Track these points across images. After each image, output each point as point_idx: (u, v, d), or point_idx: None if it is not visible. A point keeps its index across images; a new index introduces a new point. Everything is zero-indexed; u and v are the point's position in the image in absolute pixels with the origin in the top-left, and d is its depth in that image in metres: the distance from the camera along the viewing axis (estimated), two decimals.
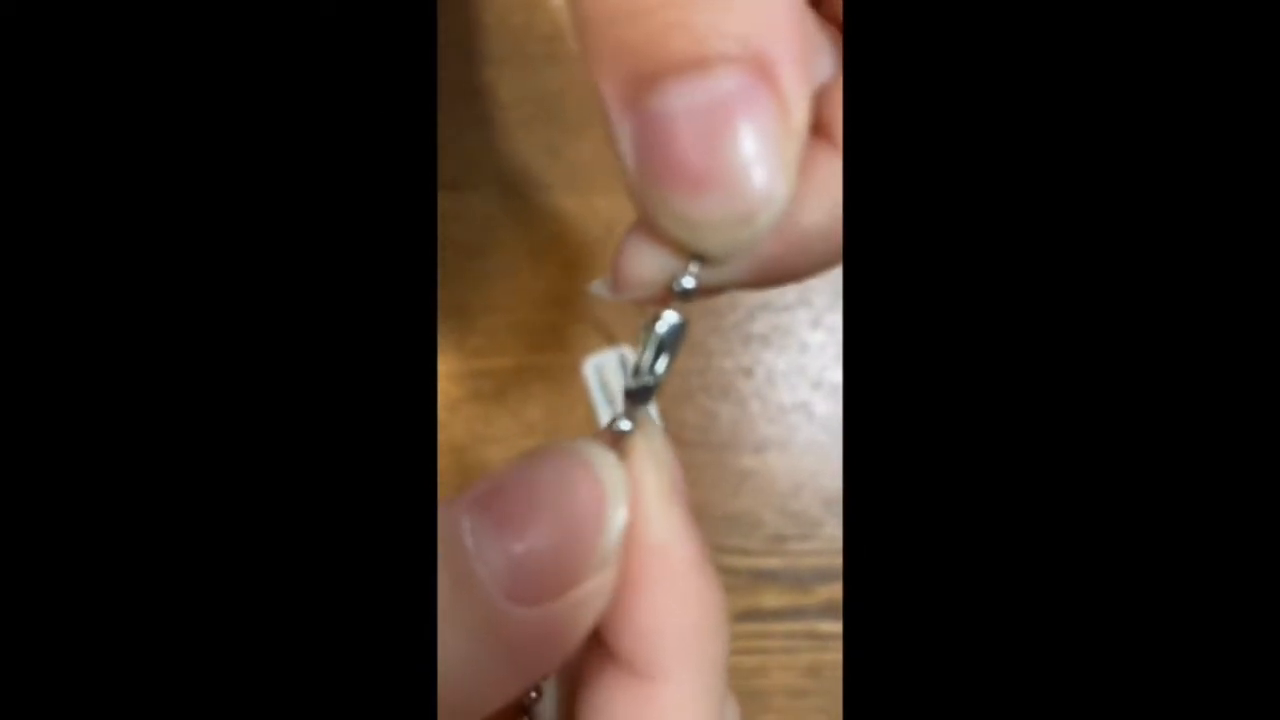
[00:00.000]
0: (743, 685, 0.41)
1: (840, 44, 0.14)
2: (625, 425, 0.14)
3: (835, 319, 0.42)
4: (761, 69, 0.11)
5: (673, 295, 0.13)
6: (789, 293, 0.42)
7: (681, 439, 0.41)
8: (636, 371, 0.14)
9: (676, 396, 0.41)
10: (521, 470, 0.13)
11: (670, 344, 0.14)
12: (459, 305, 0.42)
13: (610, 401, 0.40)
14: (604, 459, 0.13)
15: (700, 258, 0.13)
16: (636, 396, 0.14)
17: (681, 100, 0.11)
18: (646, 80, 0.12)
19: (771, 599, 0.42)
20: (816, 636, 0.42)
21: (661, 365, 0.14)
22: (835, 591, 0.42)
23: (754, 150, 0.11)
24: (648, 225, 0.13)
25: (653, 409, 0.14)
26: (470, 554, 0.12)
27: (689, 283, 0.13)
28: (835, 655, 0.42)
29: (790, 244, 0.13)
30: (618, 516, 0.12)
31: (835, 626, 0.42)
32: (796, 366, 0.42)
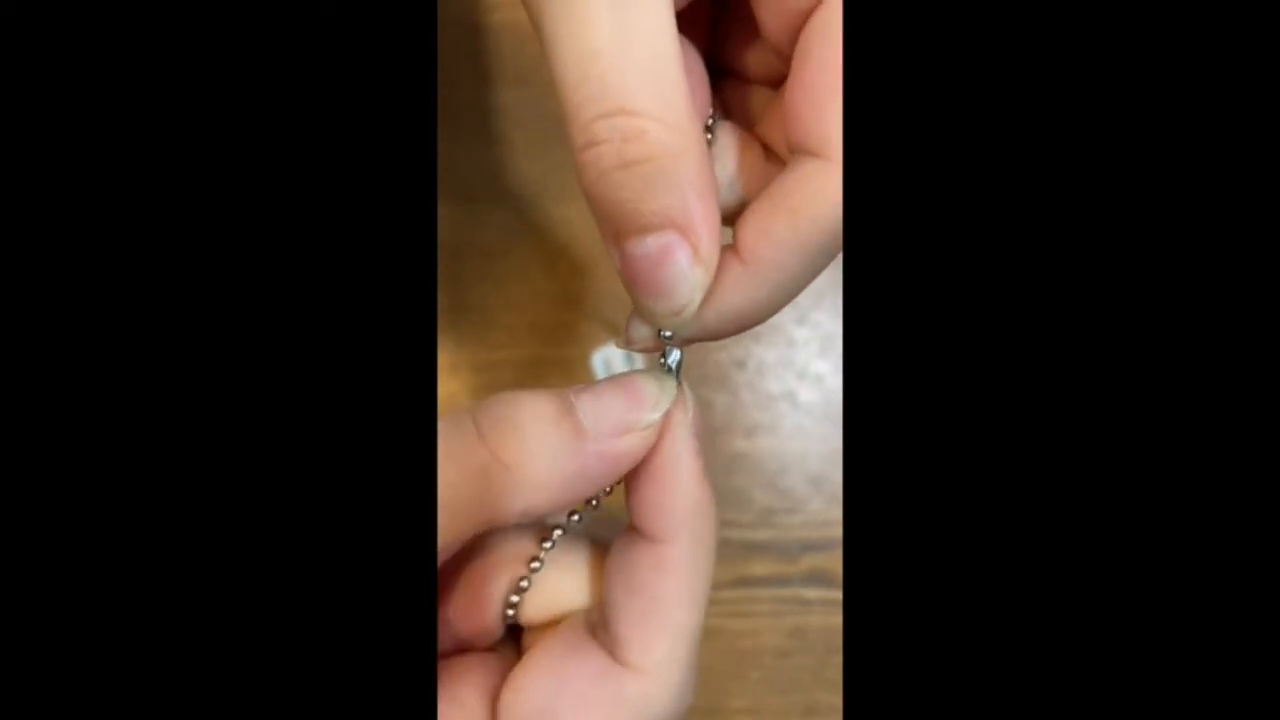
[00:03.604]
0: (733, 646, 0.43)
1: (761, 172, 0.22)
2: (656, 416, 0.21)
3: (819, 316, 0.44)
4: (682, 230, 0.19)
5: (661, 343, 0.21)
6: None
7: None
8: None
9: None
10: (609, 378, 0.21)
11: (678, 369, 0.21)
12: (481, 304, 0.44)
13: None
14: (656, 378, 0.21)
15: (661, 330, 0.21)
16: None
17: (640, 248, 0.19)
18: (622, 235, 0.19)
19: (760, 568, 0.43)
20: (801, 602, 0.43)
21: (674, 382, 0.21)
22: (818, 561, 0.43)
23: (679, 275, 0.19)
24: (635, 311, 0.21)
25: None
26: (575, 408, 0.20)
27: (668, 334, 0.21)
28: (817, 619, 0.43)
29: (714, 318, 0.20)
30: (658, 408, 0.20)
31: (818, 593, 0.43)
32: (784, 359, 0.44)
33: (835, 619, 0.43)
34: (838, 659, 0.44)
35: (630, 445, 0.20)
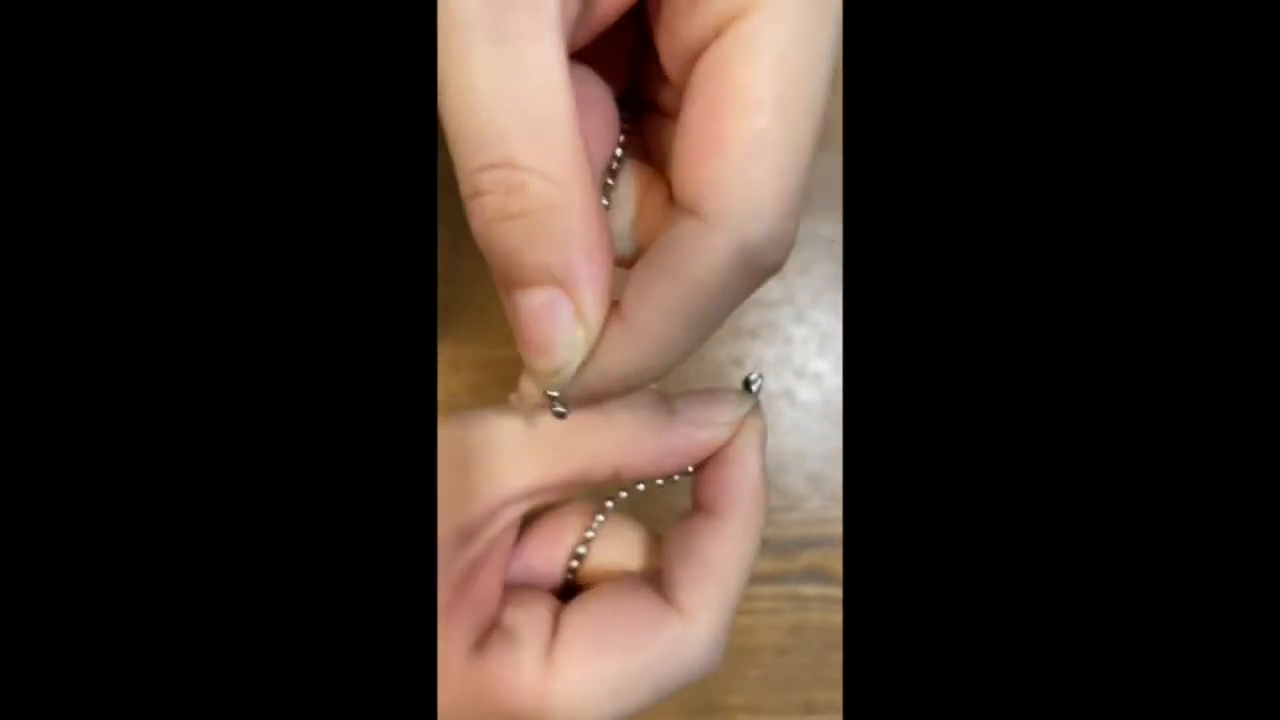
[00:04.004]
0: (731, 643, 0.40)
1: (663, 219, 0.21)
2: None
3: (817, 315, 0.43)
4: (564, 285, 0.18)
5: (549, 401, 0.20)
6: (775, 291, 0.44)
7: None
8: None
9: (674, 385, 0.42)
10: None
11: (758, 391, 0.25)
12: (480, 303, 0.44)
13: None
14: (738, 393, 0.25)
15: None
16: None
17: (524, 301, 0.18)
18: (508, 286, 0.19)
19: (759, 564, 0.40)
20: (799, 599, 0.43)
21: (753, 400, 0.25)
22: (816, 558, 0.44)
23: (559, 333, 0.18)
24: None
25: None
26: (678, 406, 0.24)
27: (554, 393, 0.20)
28: (815, 616, 0.44)
29: (595, 378, 0.20)
30: (735, 413, 0.24)
31: (816, 590, 0.43)
32: (782, 357, 0.43)
33: (834, 616, 0.44)
34: (836, 656, 0.44)
35: (711, 435, 0.24)
